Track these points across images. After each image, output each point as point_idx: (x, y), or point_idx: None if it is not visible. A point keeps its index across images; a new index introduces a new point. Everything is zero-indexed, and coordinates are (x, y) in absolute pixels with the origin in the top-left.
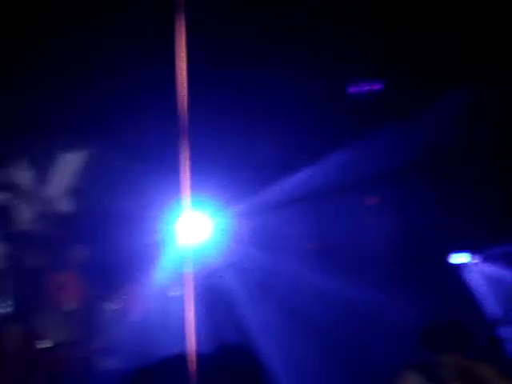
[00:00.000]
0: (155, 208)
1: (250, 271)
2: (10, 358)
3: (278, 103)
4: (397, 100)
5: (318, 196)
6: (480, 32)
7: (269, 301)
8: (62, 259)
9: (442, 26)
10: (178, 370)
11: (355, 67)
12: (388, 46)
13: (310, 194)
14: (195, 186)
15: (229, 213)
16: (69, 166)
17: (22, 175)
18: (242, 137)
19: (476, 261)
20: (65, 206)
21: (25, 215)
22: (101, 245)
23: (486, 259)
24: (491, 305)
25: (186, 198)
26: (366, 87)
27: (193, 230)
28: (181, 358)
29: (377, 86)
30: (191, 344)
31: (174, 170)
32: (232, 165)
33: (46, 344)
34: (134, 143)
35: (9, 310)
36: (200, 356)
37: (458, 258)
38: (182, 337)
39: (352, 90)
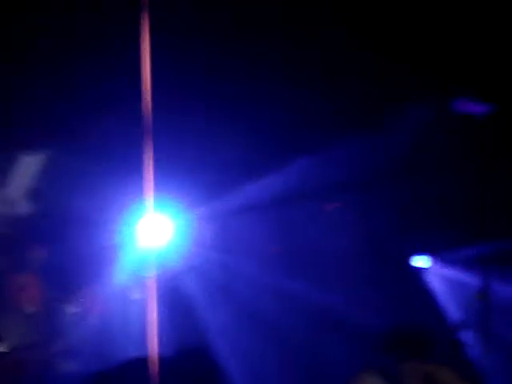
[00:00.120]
0: (116, 210)
1: (211, 274)
2: None
3: (241, 106)
4: (363, 111)
5: (280, 200)
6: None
7: (229, 304)
8: (21, 261)
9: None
10: (138, 373)
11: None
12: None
13: (273, 198)
14: (157, 188)
15: (190, 215)
16: (28, 167)
17: None
18: (205, 139)
19: (436, 265)
20: (24, 207)
21: None
22: (60, 246)
23: (447, 263)
24: (452, 309)
25: (148, 199)
26: None
27: (154, 232)
28: (141, 360)
29: None
30: (152, 347)
31: (136, 172)
32: (194, 167)
33: (4, 347)
34: (96, 144)
35: None
36: (160, 359)
37: (419, 262)
38: (143, 339)
39: None
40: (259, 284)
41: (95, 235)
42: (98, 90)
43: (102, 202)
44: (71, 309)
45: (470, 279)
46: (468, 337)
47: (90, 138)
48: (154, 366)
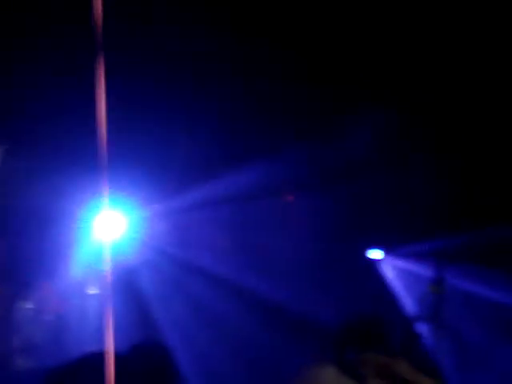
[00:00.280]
0: (72, 206)
1: (164, 269)
2: None
3: (200, 104)
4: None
5: (234, 198)
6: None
7: (182, 298)
8: None
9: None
10: (94, 368)
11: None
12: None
13: (227, 196)
14: (112, 185)
15: (145, 211)
16: None
17: None
18: (161, 137)
19: (391, 257)
20: None
21: None
22: (15, 242)
23: (401, 256)
24: (407, 301)
25: (103, 196)
26: None
27: (109, 227)
28: (97, 355)
29: None
30: (108, 341)
31: (92, 168)
32: (149, 164)
33: None
34: (51, 141)
35: None
36: (116, 353)
37: (373, 255)
38: (100, 334)
39: None
40: (212, 279)
41: (50, 231)
42: (53, 86)
43: (58, 199)
44: (27, 305)
45: (424, 272)
46: (422, 328)
47: (47, 134)
48: (110, 360)
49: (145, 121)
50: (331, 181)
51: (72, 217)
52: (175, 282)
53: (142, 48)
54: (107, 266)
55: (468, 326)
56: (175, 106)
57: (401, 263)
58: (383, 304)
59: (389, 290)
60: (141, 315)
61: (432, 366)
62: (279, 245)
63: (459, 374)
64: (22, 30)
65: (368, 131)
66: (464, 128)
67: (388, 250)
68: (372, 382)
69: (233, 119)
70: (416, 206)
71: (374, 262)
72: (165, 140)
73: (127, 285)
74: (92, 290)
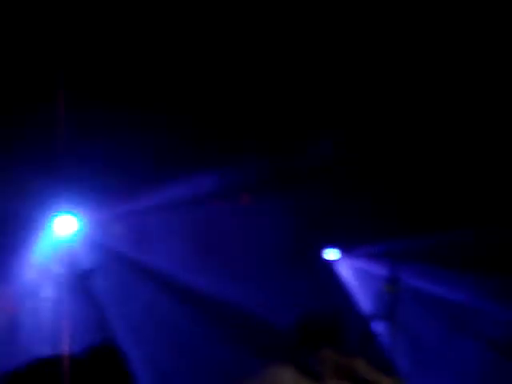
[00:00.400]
0: (27, 207)
1: (120, 272)
2: None
3: (153, 108)
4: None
5: (195, 200)
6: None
7: (138, 302)
8: None
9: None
10: (48, 371)
11: None
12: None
13: (187, 198)
14: (68, 186)
15: (102, 214)
16: None
17: None
18: (121, 138)
19: (347, 257)
20: None
21: None
22: None
23: (357, 256)
24: (363, 300)
25: (60, 197)
26: None
27: (65, 229)
28: (51, 359)
29: None
30: (63, 344)
31: (47, 170)
32: (106, 166)
33: None
34: (6, 142)
35: None
36: (71, 356)
37: (330, 255)
38: (55, 337)
39: None
40: (169, 282)
41: (4, 232)
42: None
43: (13, 200)
44: None
45: (380, 271)
46: (379, 327)
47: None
48: (65, 363)
49: (102, 123)
50: (290, 183)
51: (27, 218)
52: (130, 284)
53: None
54: (62, 269)
55: (422, 324)
56: (128, 111)
57: (357, 263)
58: (340, 303)
59: (345, 289)
60: (95, 318)
61: (389, 364)
62: (237, 247)
63: (415, 371)
64: None
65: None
66: (413, 131)
67: (344, 251)
68: (330, 381)
69: (187, 124)
70: (370, 208)
71: (330, 262)
72: (125, 141)
73: (82, 287)
74: (47, 293)
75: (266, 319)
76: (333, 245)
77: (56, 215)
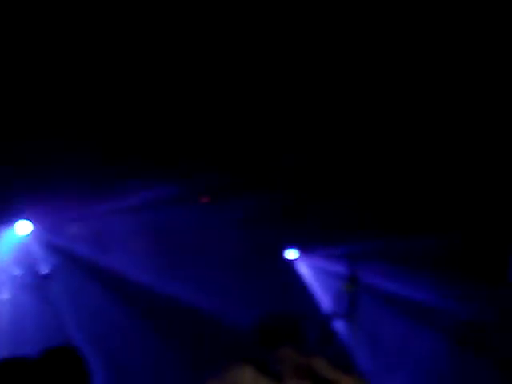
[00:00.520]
0: None
1: (77, 273)
2: None
3: None
4: None
5: (154, 203)
6: None
7: (94, 302)
8: None
9: None
10: (8, 373)
11: None
12: None
13: (147, 201)
14: (22, 192)
15: (59, 217)
16: None
17: None
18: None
19: (308, 257)
20: None
21: None
22: None
23: (317, 256)
24: (323, 299)
25: (14, 202)
26: None
27: (21, 233)
28: (10, 361)
29: None
30: (20, 346)
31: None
32: (63, 171)
33: None
34: None
35: None
36: (28, 359)
37: (290, 254)
38: (12, 340)
39: None
40: (126, 282)
41: None
42: None
43: None
44: None
45: (339, 271)
46: (339, 325)
47: None
48: (23, 366)
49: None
50: (251, 185)
51: None
52: (84, 285)
53: None
54: (19, 272)
55: (381, 322)
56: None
57: (317, 263)
58: (300, 302)
59: (305, 288)
60: (52, 318)
61: (349, 362)
62: (197, 248)
63: (375, 369)
64: None
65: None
66: (371, 138)
67: (304, 250)
68: (290, 380)
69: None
70: (331, 210)
71: (291, 262)
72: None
73: (39, 289)
74: (4, 295)
75: (227, 320)
76: (293, 245)
77: (12, 220)
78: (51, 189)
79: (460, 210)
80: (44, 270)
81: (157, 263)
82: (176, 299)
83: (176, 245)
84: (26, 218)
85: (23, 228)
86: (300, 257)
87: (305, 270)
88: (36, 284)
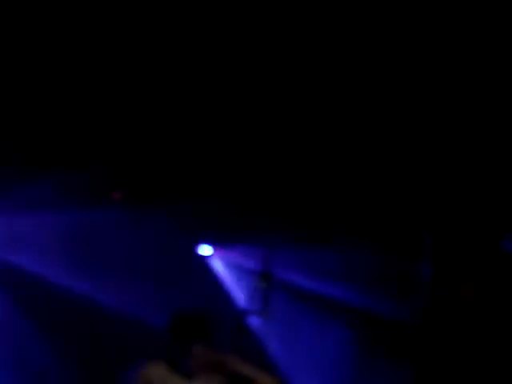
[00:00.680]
0: None
1: None
2: None
3: None
4: None
5: (72, 204)
6: None
7: (13, 301)
8: None
9: None
10: None
11: None
12: None
13: (65, 202)
14: None
15: None
16: None
17: None
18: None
19: (221, 253)
20: None
21: None
22: None
23: (231, 252)
24: (237, 296)
25: None
26: None
27: None
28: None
29: None
30: None
31: None
32: None
33: None
34: None
35: None
36: None
37: (204, 250)
38: None
39: None
40: (41, 286)
41: None
42: None
43: None
44: None
45: (253, 267)
46: (253, 321)
47: None
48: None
49: None
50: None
51: None
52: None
53: None
54: None
55: (296, 318)
56: None
57: (230, 259)
58: (214, 299)
59: (219, 285)
60: None
61: (263, 358)
62: (108, 246)
63: (289, 365)
64: None
65: None
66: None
67: (218, 246)
68: (201, 377)
69: None
70: (244, 205)
71: (204, 258)
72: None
73: None
74: None
75: (141, 319)
76: (206, 241)
77: None
78: None
79: (369, 207)
80: None
81: (64, 261)
82: (86, 300)
83: (85, 243)
84: None
85: None
86: (215, 253)
87: (219, 266)
88: None
